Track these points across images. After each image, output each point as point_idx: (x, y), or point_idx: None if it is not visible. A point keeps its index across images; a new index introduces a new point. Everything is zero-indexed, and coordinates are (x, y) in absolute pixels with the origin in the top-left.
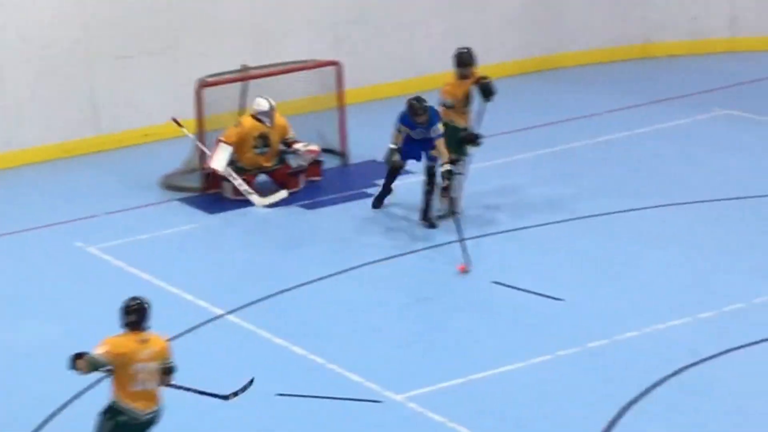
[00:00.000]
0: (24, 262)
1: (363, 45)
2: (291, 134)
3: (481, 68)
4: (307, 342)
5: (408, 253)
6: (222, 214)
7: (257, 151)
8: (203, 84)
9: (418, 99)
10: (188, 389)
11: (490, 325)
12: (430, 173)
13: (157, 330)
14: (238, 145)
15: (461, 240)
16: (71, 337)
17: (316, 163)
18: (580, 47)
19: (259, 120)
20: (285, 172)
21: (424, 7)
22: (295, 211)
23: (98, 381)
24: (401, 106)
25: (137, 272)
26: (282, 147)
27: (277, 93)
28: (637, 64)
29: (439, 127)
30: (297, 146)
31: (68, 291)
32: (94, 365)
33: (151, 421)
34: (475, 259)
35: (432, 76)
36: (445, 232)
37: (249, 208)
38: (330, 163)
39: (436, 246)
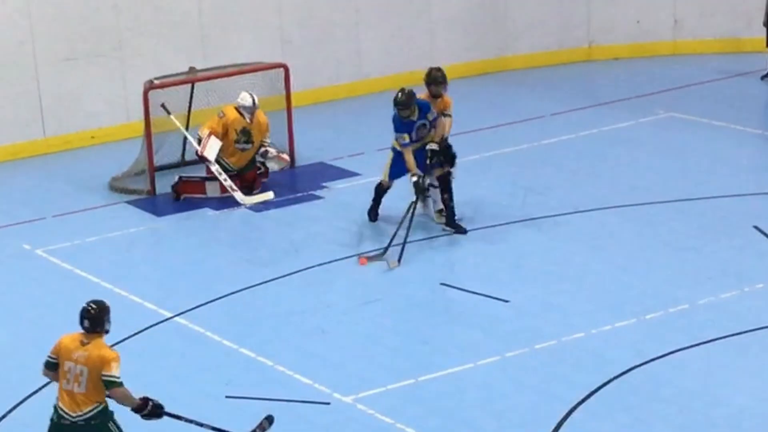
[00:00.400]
0: None
1: (309, 47)
2: (268, 136)
3: (425, 71)
4: (256, 344)
5: (355, 255)
6: (170, 217)
7: (239, 146)
8: (151, 86)
9: (400, 90)
10: (199, 423)
11: (437, 326)
12: (444, 180)
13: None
14: (222, 138)
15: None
16: (19, 340)
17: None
18: (525, 50)
19: (241, 114)
20: (254, 175)
21: (370, 9)
22: (243, 213)
23: (42, 387)
24: (348, 108)
25: (85, 275)
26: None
27: (224, 95)
28: (582, 66)
29: (434, 111)
30: (271, 150)
31: (16, 294)
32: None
33: (74, 425)
34: (423, 261)
35: (378, 78)
36: (389, 235)
37: (196, 211)
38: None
39: (382, 248)
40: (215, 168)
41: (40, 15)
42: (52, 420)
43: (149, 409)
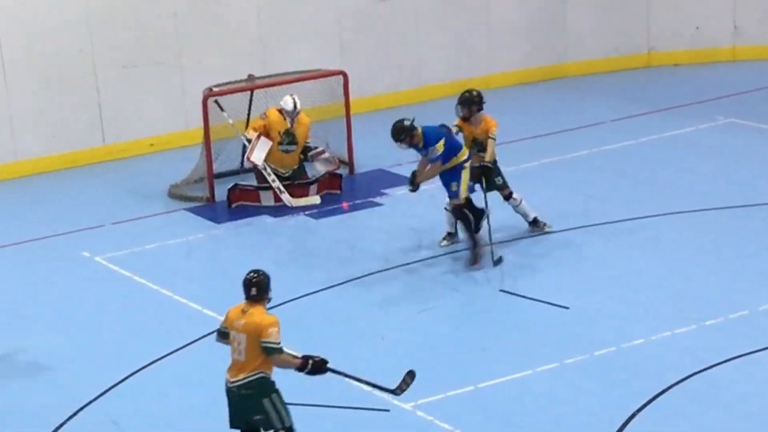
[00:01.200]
0: (31, 273)
1: (368, 54)
2: (309, 138)
3: (486, 78)
4: (315, 351)
5: (414, 262)
6: (229, 224)
7: (282, 148)
8: (210, 93)
9: (399, 120)
10: (357, 379)
11: (497, 333)
12: (473, 210)
13: (165, 338)
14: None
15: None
16: (78, 347)
17: (335, 176)
18: (584, 56)
19: (283, 117)
20: (303, 182)
21: (430, 16)
22: (302, 220)
23: (103, 393)
24: (407, 115)
25: (144, 282)
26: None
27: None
28: (641, 73)
29: (437, 148)
30: (322, 155)
31: (75, 301)
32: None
33: (231, 392)
34: (483, 268)
35: (436, 85)
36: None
37: (255, 218)
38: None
39: (442, 255)
40: (264, 168)
41: (99, 23)
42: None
43: (311, 368)
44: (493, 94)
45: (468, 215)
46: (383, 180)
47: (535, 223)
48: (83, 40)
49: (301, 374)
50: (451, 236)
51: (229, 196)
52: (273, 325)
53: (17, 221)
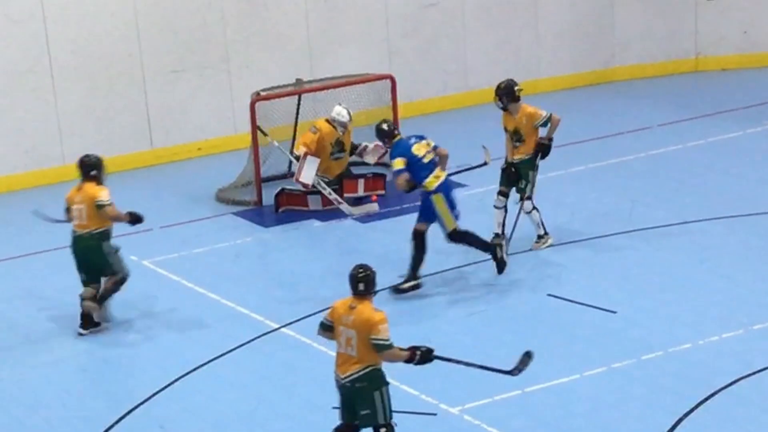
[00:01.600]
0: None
1: (415, 58)
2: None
3: (533, 82)
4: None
5: (462, 266)
6: (277, 228)
7: (333, 157)
8: (258, 97)
9: (380, 122)
10: (467, 363)
11: (544, 337)
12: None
13: (213, 342)
14: (317, 153)
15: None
16: (127, 352)
17: (379, 177)
18: (632, 61)
19: (333, 127)
20: (354, 183)
21: (477, 21)
22: (349, 224)
23: (150, 397)
24: (454, 119)
25: (192, 286)
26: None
27: (331, 107)
28: (689, 77)
29: (394, 165)
30: (365, 145)
31: (123, 305)
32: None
33: (345, 387)
34: (530, 272)
35: (484, 90)
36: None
37: (302, 222)
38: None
39: (489, 259)
40: (316, 182)
41: (147, 27)
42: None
43: (418, 359)
44: (541, 98)
45: (466, 236)
46: None
47: (539, 237)
48: (132, 44)
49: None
50: (498, 237)
51: (276, 200)
52: (382, 321)
53: (66, 225)
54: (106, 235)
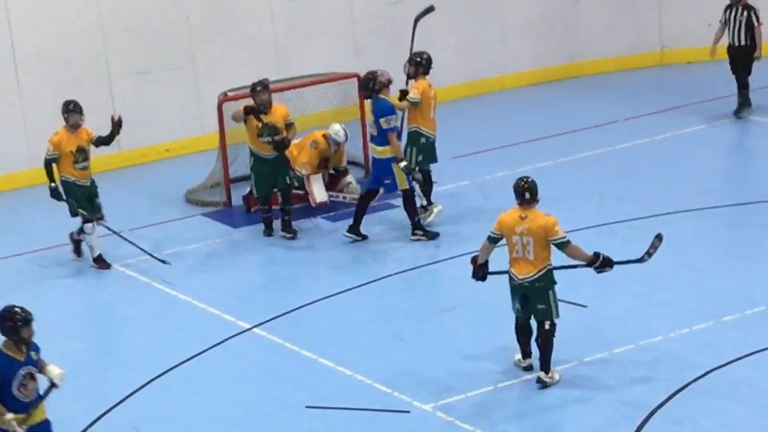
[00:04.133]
0: (48, 280)
1: (382, 56)
2: (344, 162)
3: (500, 78)
4: (334, 354)
5: (431, 263)
6: (247, 228)
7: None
8: (225, 98)
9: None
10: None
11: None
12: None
13: (185, 344)
14: (319, 167)
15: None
16: (97, 354)
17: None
18: (597, 55)
19: (328, 144)
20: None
21: (444, 17)
22: (318, 223)
23: (123, 400)
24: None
25: (162, 288)
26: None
27: (297, 106)
28: (655, 71)
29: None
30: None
31: (93, 307)
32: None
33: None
34: (500, 267)
35: (452, 86)
36: (466, 242)
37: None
38: (353, 174)
39: (462, 255)
40: (337, 197)
41: (113, 29)
42: (510, 281)
43: (600, 262)
44: (507, 94)
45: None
46: None
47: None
48: (97, 46)
49: (328, 380)
50: (424, 208)
51: (246, 200)
52: (556, 223)
53: (33, 228)
54: None
